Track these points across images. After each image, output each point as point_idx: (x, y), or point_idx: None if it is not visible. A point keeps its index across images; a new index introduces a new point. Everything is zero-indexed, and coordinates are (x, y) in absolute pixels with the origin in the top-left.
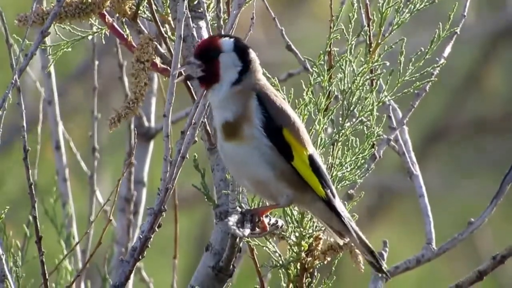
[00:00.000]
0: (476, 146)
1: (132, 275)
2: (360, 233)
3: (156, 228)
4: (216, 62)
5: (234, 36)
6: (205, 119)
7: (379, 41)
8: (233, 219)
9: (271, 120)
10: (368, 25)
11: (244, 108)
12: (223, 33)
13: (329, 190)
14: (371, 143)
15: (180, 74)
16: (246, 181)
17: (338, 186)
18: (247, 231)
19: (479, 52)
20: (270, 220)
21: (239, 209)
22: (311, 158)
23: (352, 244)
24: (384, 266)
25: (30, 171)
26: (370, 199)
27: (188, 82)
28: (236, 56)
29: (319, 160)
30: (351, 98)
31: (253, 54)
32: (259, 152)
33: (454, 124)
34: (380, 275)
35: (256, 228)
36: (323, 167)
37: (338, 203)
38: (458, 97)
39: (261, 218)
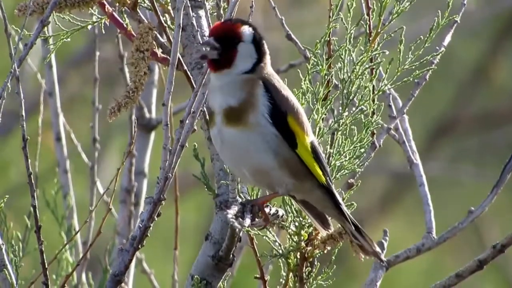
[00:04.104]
0: (483, 138)
1: (133, 267)
2: (356, 222)
3: (155, 217)
4: (234, 51)
5: (252, 25)
6: (205, 108)
7: (379, 30)
8: (232, 211)
9: (277, 108)
10: (368, 14)
11: (249, 95)
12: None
13: (328, 178)
14: (370, 132)
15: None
16: (244, 169)
17: (337, 176)
18: (247, 222)
19: (486, 44)
20: (270, 210)
21: (239, 199)
22: (312, 146)
23: (348, 233)
24: (380, 252)
25: (29, 160)
26: (370, 188)
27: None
28: (254, 48)
29: (319, 148)
30: (350, 87)
31: (266, 46)
32: (264, 139)
33: (462, 116)
34: (382, 263)
35: (256, 219)
36: (323, 155)
37: (335, 191)
38: (466, 89)
39: (262, 208)
